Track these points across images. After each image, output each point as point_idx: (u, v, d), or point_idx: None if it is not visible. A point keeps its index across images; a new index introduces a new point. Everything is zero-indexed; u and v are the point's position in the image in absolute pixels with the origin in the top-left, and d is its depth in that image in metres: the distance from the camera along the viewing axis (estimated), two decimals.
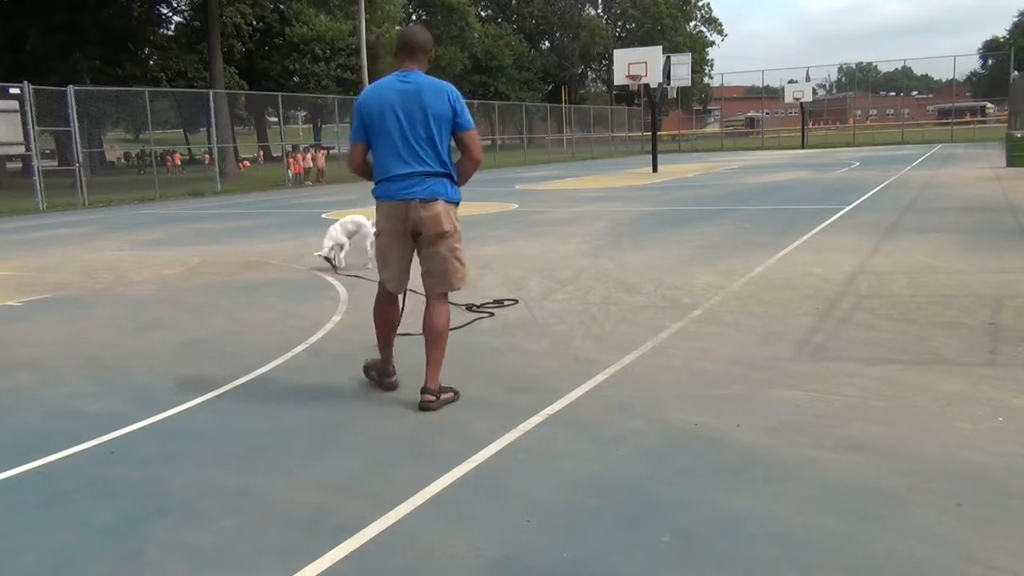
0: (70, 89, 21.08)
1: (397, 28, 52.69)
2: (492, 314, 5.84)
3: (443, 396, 3.93)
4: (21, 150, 20.87)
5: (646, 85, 27.09)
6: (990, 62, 69.38)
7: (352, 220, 8.62)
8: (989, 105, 67.99)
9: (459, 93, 3.92)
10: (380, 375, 4.27)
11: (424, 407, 3.86)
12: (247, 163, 40.31)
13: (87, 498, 3.11)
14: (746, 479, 2.98)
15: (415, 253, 4.02)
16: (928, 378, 4.10)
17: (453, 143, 3.96)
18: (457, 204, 3.96)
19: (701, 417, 3.63)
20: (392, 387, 4.21)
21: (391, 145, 3.85)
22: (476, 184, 24.17)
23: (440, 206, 3.84)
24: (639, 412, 3.75)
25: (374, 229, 4.35)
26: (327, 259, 8.26)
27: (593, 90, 75.31)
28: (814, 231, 9.77)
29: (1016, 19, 69.86)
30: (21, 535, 2.83)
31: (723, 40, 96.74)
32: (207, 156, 48.64)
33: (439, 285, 3.98)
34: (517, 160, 37.49)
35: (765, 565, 2.44)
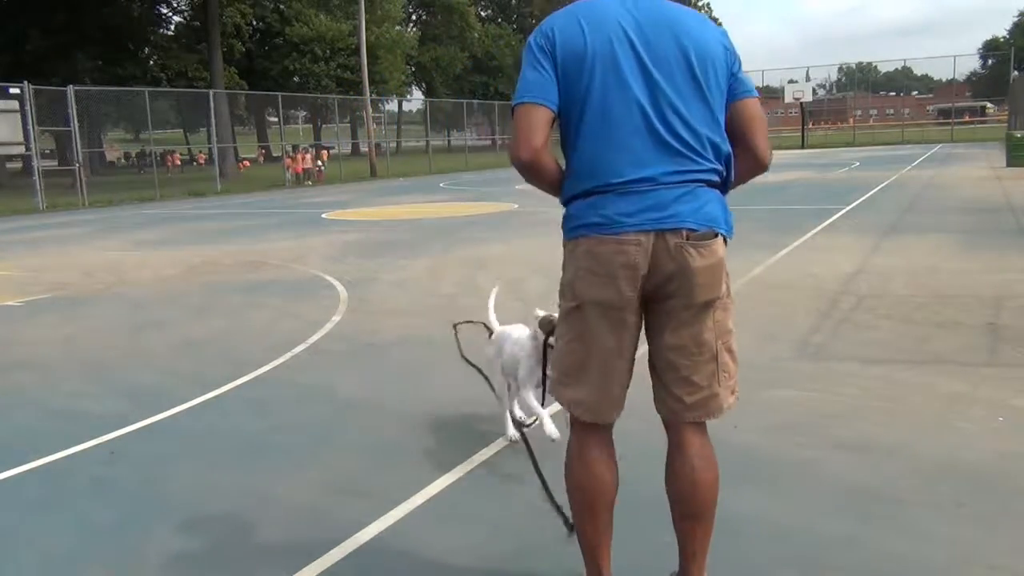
0: (70, 89, 21.08)
1: (397, 28, 52.83)
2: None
3: None
4: (21, 150, 20.89)
5: None
6: (990, 62, 69.39)
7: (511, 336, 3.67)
8: (989, 105, 67.98)
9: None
10: None
11: None
12: (247, 163, 40.31)
13: (87, 498, 3.11)
14: (746, 479, 2.98)
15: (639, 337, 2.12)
16: (928, 378, 4.10)
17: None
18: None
19: None
20: None
21: (624, 118, 1.97)
22: (476, 184, 24.22)
23: (720, 247, 2.02)
24: (639, 412, 3.74)
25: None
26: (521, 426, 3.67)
27: None
28: (814, 231, 9.77)
29: (1016, 19, 69.95)
30: (21, 535, 2.83)
31: None
32: (201, 156, 48.70)
33: (696, 408, 2.11)
34: None
35: (765, 565, 2.44)
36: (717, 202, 2.01)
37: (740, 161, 2.07)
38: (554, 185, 2.08)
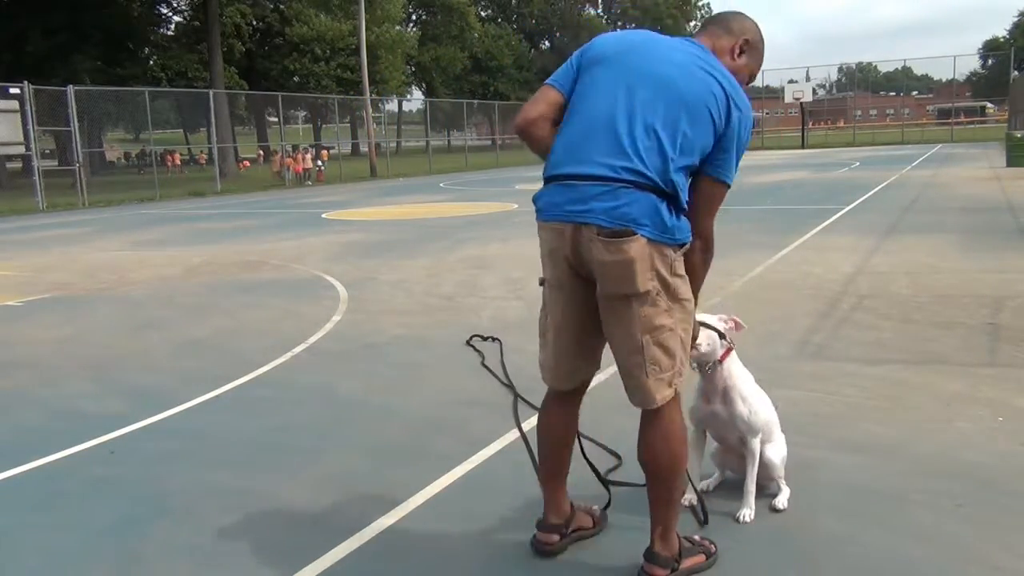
0: (70, 89, 21.08)
1: (397, 28, 52.79)
2: (496, 339, 5.10)
3: (686, 564, 2.36)
4: (21, 150, 20.90)
5: None
6: (990, 62, 69.36)
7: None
8: (989, 105, 68.00)
9: (751, 124, 2.27)
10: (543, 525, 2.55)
11: None
12: (247, 163, 40.34)
13: (87, 498, 3.11)
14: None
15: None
16: (928, 378, 4.10)
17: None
18: (678, 246, 2.20)
19: None
20: (550, 551, 2.52)
21: (590, 121, 2.20)
22: (476, 184, 24.22)
23: (635, 247, 2.12)
24: (639, 412, 3.75)
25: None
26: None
27: None
28: (814, 231, 9.77)
29: (1016, 19, 69.90)
30: (21, 535, 2.83)
31: None
32: (201, 156, 48.68)
33: (632, 395, 2.31)
34: (517, 160, 37.48)
35: (765, 565, 2.44)
36: (641, 205, 2.11)
37: (693, 244, 2.25)
38: (543, 158, 2.31)
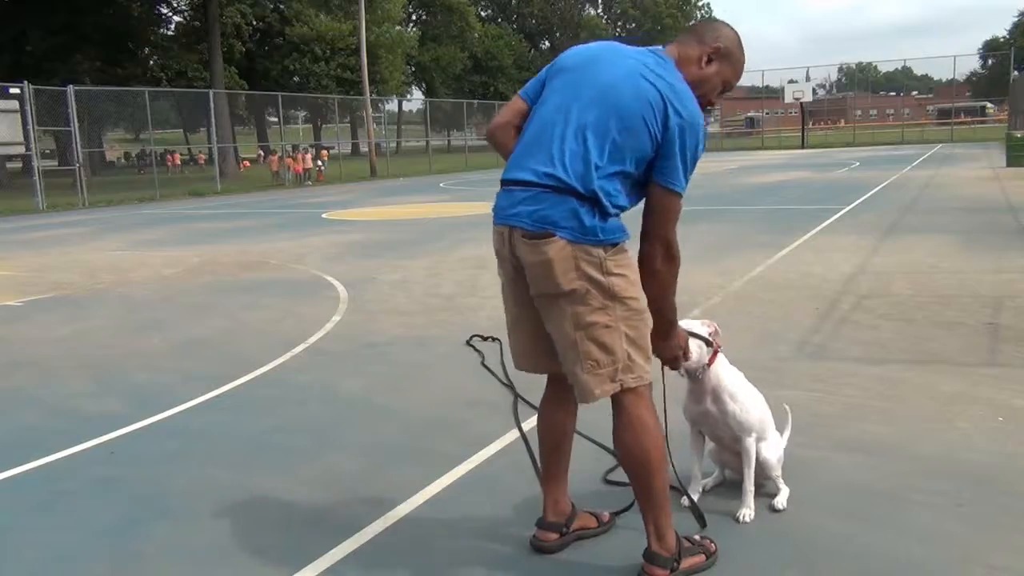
0: (70, 89, 21.09)
1: (397, 28, 52.77)
2: (496, 339, 5.04)
3: (686, 564, 2.36)
4: (21, 150, 20.89)
5: None
6: (990, 62, 69.37)
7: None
8: (989, 105, 67.96)
9: (702, 131, 2.27)
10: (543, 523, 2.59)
11: None
12: (248, 163, 40.35)
13: (87, 498, 3.11)
14: None
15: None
16: (928, 378, 4.10)
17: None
18: (608, 245, 2.24)
19: None
20: (547, 548, 2.55)
21: (539, 130, 2.30)
22: (476, 184, 24.22)
23: (553, 248, 2.21)
24: None
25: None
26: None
27: None
28: (814, 231, 9.77)
29: (1016, 19, 69.83)
30: (21, 535, 2.83)
31: None
32: (201, 156, 48.67)
33: (574, 387, 2.36)
34: None
35: (765, 565, 2.44)
36: (559, 208, 2.19)
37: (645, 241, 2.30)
38: (504, 154, 2.44)
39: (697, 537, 2.48)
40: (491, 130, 2.48)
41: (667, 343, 2.46)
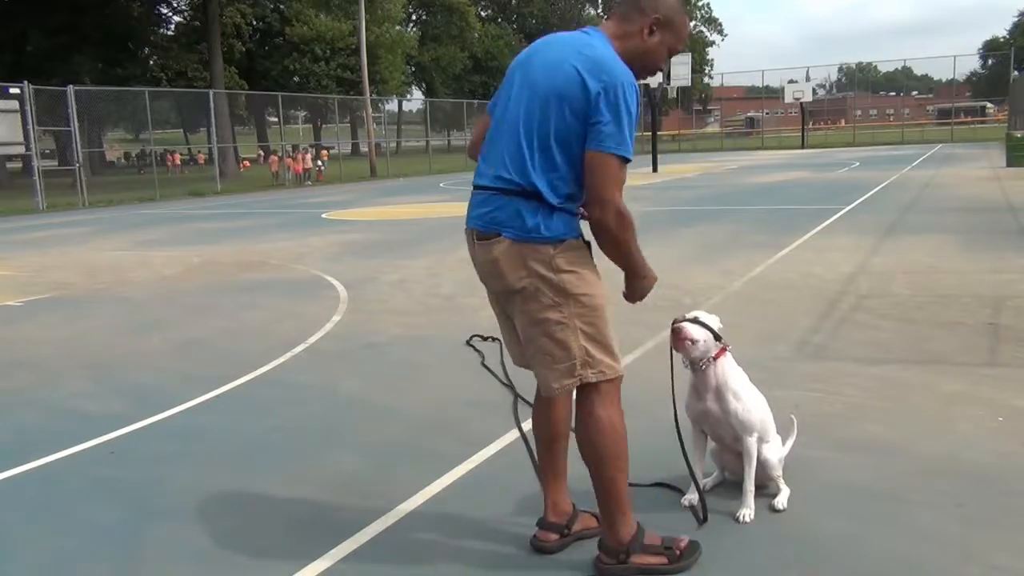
0: (70, 89, 21.09)
1: (397, 28, 52.77)
2: (496, 339, 4.90)
3: (639, 560, 2.37)
4: (21, 150, 20.90)
5: (646, 85, 27.06)
6: (990, 62, 69.36)
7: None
8: (989, 105, 67.95)
9: (628, 88, 2.19)
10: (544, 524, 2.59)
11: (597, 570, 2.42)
12: (247, 163, 40.35)
13: (87, 498, 3.11)
14: None
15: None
16: (928, 378, 4.10)
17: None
18: (554, 242, 2.27)
19: None
20: (547, 549, 2.55)
21: (494, 134, 2.38)
22: None
23: (498, 248, 2.29)
24: (640, 412, 3.75)
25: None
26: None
27: None
28: (814, 231, 9.77)
29: (1016, 19, 69.88)
30: (21, 535, 2.83)
31: (723, 40, 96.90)
32: (201, 156, 48.64)
33: (537, 378, 2.42)
34: None
35: (765, 565, 2.44)
36: (505, 209, 2.27)
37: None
38: None
39: (684, 544, 2.42)
40: (470, 152, 2.56)
41: (640, 284, 2.43)
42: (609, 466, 2.34)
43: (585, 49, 2.24)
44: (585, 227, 2.33)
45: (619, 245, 2.30)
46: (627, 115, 2.19)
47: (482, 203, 2.33)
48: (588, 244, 2.37)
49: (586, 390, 2.32)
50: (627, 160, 2.22)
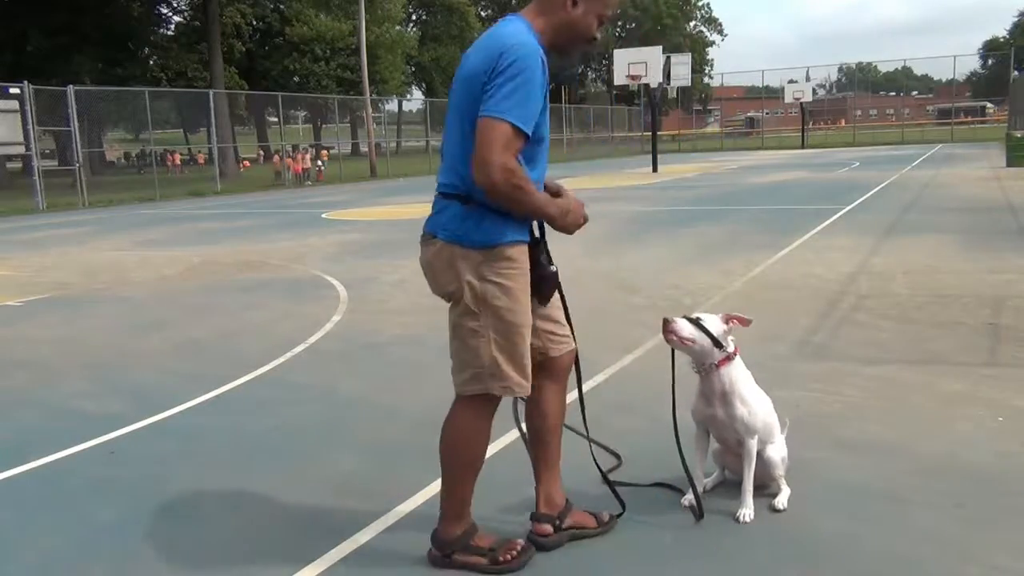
0: (70, 89, 21.09)
1: (397, 28, 52.76)
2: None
3: (460, 558, 2.46)
4: (21, 150, 20.89)
5: (646, 85, 27.12)
6: (990, 62, 69.38)
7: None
8: (989, 105, 67.96)
9: (521, 54, 2.14)
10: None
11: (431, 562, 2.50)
12: (247, 163, 40.34)
13: (87, 498, 3.11)
14: None
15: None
16: (928, 378, 4.10)
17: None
18: (483, 248, 2.26)
19: None
20: (544, 542, 2.57)
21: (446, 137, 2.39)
22: None
23: (431, 250, 2.34)
24: (640, 412, 3.75)
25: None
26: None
27: (593, 90, 75.25)
28: (814, 231, 9.77)
29: (1016, 19, 69.99)
30: (21, 535, 2.83)
31: (723, 40, 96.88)
32: (201, 156, 48.64)
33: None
34: None
35: (765, 565, 2.44)
36: (445, 212, 2.29)
37: None
38: None
39: (516, 549, 2.45)
40: None
41: (564, 224, 2.34)
42: (457, 471, 2.45)
43: (491, 32, 2.27)
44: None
45: (516, 203, 2.19)
46: (519, 81, 2.11)
47: (433, 206, 2.36)
48: (538, 242, 2.34)
49: (475, 399, 2.37)
50: (517, 127, 2.11)
